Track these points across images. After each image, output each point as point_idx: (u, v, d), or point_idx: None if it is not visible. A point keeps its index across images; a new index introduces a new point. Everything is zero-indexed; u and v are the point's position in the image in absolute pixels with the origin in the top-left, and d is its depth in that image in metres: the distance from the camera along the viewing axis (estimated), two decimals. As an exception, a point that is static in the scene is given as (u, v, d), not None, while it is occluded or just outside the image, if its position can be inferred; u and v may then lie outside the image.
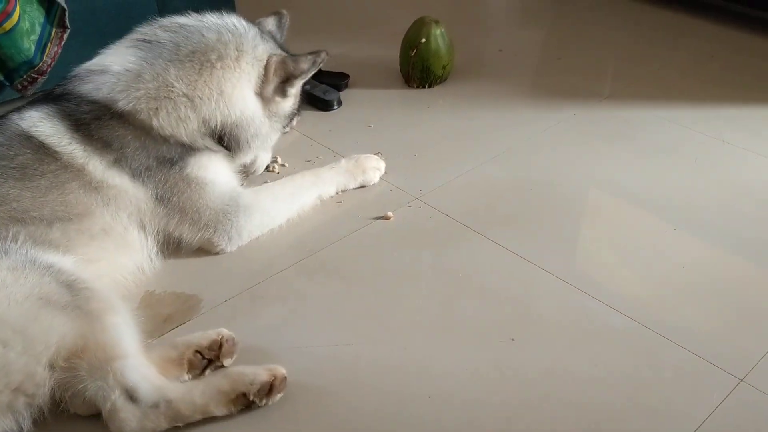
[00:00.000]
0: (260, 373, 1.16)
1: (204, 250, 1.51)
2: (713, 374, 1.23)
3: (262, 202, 1.55)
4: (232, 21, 1.54)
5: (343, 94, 2.10)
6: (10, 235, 1.22)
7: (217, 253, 1.50)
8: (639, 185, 1.72)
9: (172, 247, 1.49)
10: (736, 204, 1.65)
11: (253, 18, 1.66)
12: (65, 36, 1.83)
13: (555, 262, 1.47)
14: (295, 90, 1.62)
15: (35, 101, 1.47)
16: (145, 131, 1.42)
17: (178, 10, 1.58)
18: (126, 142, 1.40)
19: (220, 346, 1.22)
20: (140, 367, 1.12)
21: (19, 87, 1.81)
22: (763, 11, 2.51)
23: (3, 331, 1.06)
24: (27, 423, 1.08)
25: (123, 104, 1.41)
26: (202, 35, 1.49)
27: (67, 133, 1.38)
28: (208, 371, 1.21)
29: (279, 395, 1.17)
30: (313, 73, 1.61)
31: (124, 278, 1.40)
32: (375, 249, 1.52)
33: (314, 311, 1.37)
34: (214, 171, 1.50)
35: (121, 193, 1.40)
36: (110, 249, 1.38)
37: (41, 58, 1.79)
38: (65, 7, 1.79)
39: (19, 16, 1.69)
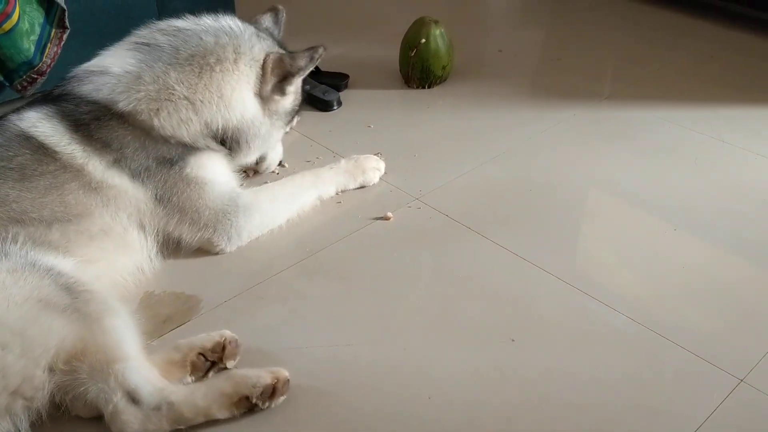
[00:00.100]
0: (263, 376, 1.15)
1: (204, 250, 1.50)
2: (713, 374, 1.23)
3: (262, 203, 1.55)
4: (228, 23, 1.54)
5: (343, 95, 2.10)
6: (10, 236, 1.22)
7: (216, 254, 1.50)
8: (639, 185, 1.72)
9: (171, 248, 1.49)
10: (735, 204, 1.65)
11: (252, 16, 1.66)
12: (65, 36, 1.83)
13: (555, 262, 1.47)
14: (293, 87, 1.62)
15: (34, 102, 1.47)
16: (145, 132, 1.42)
17: (178, 11, 1.59)
18: (126, 142, 1.40)
19: (223, 348, 1.21)
20: (141, 370, 1.12)
21: (19, 87, 1.81)
22: (763, 11, 2.52)
23: (2, 334, 1.05)
24: (25, 426, 1.07)
25: (123, 105, 1.41)
26: (201, 38, 1.49)
27: (67, 134, 1.38)
28: (211, 373, 1.21)
29: (282, 398, 1.16)
30: (311, 69, 1.60)
31: (124, 279, 1.39)
32: (375, 249, 1.52)
33: (314, 312, 1.37)
34: (214, 171, 1.50)
35: (121, 194, 1.40)
36: (110, 249, 1.38)
37: (41, 59, 1.79)
38: (65, 7, 1.79)
39: (19, 16, 1.69)
